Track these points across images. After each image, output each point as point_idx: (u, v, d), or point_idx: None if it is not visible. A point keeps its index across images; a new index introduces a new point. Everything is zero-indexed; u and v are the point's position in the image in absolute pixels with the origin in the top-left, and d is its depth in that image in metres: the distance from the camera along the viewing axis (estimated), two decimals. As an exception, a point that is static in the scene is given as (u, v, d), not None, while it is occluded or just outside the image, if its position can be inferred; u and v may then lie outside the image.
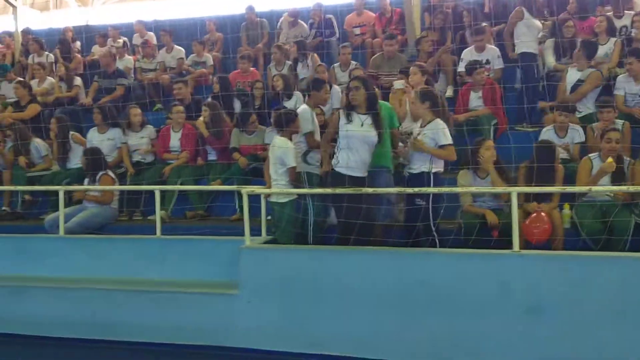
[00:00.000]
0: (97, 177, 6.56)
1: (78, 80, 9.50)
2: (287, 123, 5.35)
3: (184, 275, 5.49)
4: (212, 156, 7.10)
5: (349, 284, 4.69)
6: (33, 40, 10.44)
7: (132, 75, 9.77)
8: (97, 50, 11.02)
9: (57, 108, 8.91)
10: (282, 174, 5.41)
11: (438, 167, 4.91)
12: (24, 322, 5.62)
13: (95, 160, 6.62)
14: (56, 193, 6.62)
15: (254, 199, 5.44)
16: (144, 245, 5.77)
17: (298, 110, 5.60)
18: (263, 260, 5.00)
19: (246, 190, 5.26)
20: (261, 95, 7.58)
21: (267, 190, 5.35)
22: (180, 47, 9.88)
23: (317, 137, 5.57)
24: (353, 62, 8.12)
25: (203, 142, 7.09)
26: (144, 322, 5.28)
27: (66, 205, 6.32)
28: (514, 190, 4.44)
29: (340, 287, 4.71)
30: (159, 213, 5.83)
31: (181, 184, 6.75)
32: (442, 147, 4.84)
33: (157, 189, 6.11)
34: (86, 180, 6.72)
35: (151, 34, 10.79)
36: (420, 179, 4.80)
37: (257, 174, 6.62)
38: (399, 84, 5.95)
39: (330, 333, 4.76)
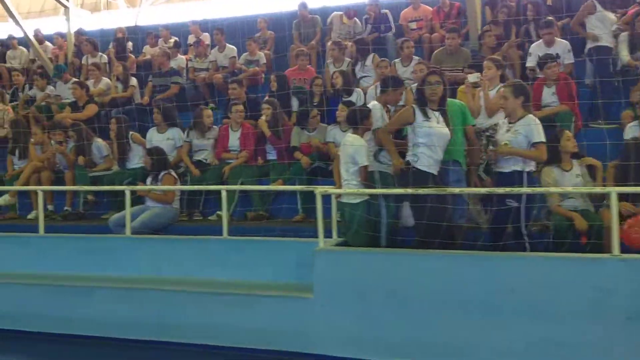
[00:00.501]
0: (160, 177, 6.49)
1: (134, 81, 9.48)
2: (361, 120, 5.15)
3: (251, 277, 5.35)
4: (271, 155, 6.96)
5: (431, 288, 4.46)
6: (87, 41, 10.49)
7: (185, 75, 9.74)
8: (148, 51, 11.05)
9: (113, 108, 8.94)
10: (353, 173, 5.20)
11: (530, 165, 4.65)
12: (90, 322, 5.56)
13: (159, 160, 6.54)
14: (118, 193, 6.61)
15: (318, 199, 5.24)
16: (210, 245, 5.66)
17: (369, 106, 5.41)
18: (339, 263, 4.81)
19: (320, 190, 5.07)
20: (320, 92, 7.40)
21: (341, 191, 5.15)
22: (232, 46, 9.80)
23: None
24: (415, 57, 7.87)
25: (262, 141, 6.96)
26: (212, 324, 5.14)
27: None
28: (613, 190, 4.14)
29: (420, 292, 4.49)
30: (225, 213, 5.70)
31: (242, 184, 6.63)
32: (535, 144, 4.57)
33: (223, 189, 5.98)
34: (148, 180, 6.66)
35: (206, 34, 10.76)
36: (512, 178, 4.54)
37: (318, 174, 6.47)
38: (473, 77, 5.70)
39: (409, 340, 4.53)
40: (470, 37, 8.27)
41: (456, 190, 4.51)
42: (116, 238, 6.04)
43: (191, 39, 10.89)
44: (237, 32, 10.30)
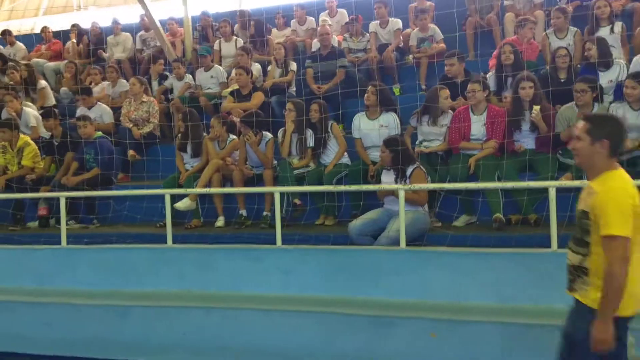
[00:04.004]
0: (409, 172, 5.33)
1: (293, 65, 8.36)
2: None
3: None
4: (529, 145, 5.73)
5: None
6: (225, 23, 9.36)
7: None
8: (275, 34, 9.92)
9: (275, 96, 7.83)
10: None
11: None
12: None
13: (403, 152, 5.38)
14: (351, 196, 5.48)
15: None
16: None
17: None
18: None
19: None
20: (566, 66, 6.17)
21: None
22: (397, 19, 8.59)
23: None
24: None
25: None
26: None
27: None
28: None
29: None
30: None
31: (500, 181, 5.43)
32: None
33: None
34: (386, 177, 5.51)
35: (342, 10, 9.57)
36: None
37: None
38: None
39: None
40: None
41: None
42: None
43: (322, 16, 9.70)
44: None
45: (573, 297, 2.95)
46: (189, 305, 4.86)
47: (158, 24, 9.65)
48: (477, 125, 5.81)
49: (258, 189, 6.18)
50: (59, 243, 6.05)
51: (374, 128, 6.17)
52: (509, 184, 5.05)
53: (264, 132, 6.45)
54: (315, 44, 8.69)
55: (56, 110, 8.02)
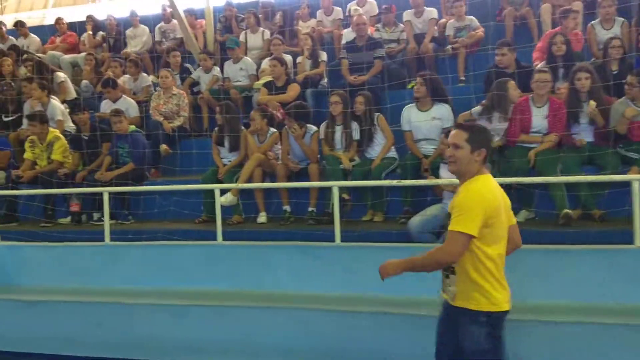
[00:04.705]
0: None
1: (324, 55, 8.18)
2: None
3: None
4: (587, 138, 5.57)
5: None
6: (250, 14, 9.14)
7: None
8: (301, 26, 9.69)
9: (309, 88, 7.64)
10: None
11: None
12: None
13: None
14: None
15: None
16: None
17: None
18: None
19: None
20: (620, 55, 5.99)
21: None
22: (432, 8, 8.40)
23: None
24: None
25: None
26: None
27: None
28: None
29: None
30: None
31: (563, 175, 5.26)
32: None
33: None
34: (445, 171, 5.34)
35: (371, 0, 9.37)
36: None
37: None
38: None
39: None
40: None
41: None
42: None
43: (352, 6, 9.49)
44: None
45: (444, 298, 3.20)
46: (248, 305, 4.66)
47: (182, 16, 9.40)
48: (539, 118, 5.63)
49: (315, 184, 5.88)
50: (94, 240, 5.89)
51: (425, 120, 6.00)
52: (588, 178, 4.87)
53: (307, 125, 6.26)
54: (346, 35, 8.50)
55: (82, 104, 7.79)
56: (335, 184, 4.97)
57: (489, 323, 2.99)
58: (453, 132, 3.13)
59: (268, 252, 5.06)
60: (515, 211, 5.27)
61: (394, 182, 5.22)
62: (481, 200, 2.94)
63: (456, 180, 4.95)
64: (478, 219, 2.90)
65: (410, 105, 6.13)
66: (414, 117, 6.05)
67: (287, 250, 5.02)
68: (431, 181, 5.30)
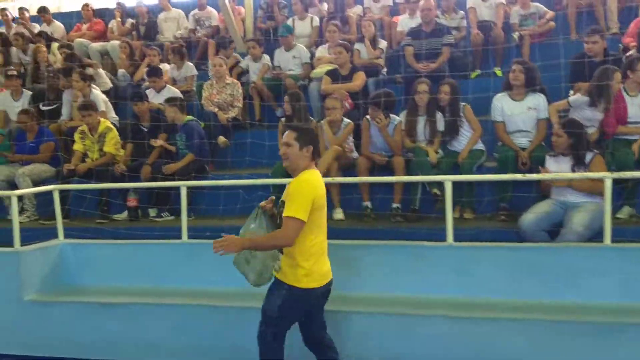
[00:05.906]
0: (588, 159, 4.81)
1: (383, 43, 7.79)
2: None
3: None
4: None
5: None
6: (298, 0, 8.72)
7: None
8: (349, 12, 9.28)
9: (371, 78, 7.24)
10: None
11: None
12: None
13: (583, 137, 4.83)
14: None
15: None
16: None
17: None
18: None
19: None
20: None
21: None
22: (499, -6, 8.02)
23: None
24: None
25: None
26: None
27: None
28: None
29: None
30: None
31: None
32: None
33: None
34: (552, 164, 4.98)
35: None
36: None
37: None
38: None
39: None
40: None
41: None
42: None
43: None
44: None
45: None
46: (349, 309, 4.26)
47: (226, 1, 8.95)
48: (634, 108, 5.30)
49: (425, 178, 5.42)
50: (152, 237, 5.50)
51: (521, 111, 5.62)
52: None
53: (391, 115, 5.87)
54: (403, 22, 8.11)
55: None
56: (447, 178, 4.56)
57: (306, 296, 3.47)
58: (286, 132, 3.47)
59: (358, 251, 4.66)
60: (618, 207, 5.03)
61: (519, 177, 4.80)
62: (310, 189, 3.32)
63: (571, 175, 4.71)
64: (308, 206, 3.27)
65: (501, 94, 5.76)
66: (507, 107, 5.67)
67: (388, 249, 4.62)
68: (557, 175, 4.84)
